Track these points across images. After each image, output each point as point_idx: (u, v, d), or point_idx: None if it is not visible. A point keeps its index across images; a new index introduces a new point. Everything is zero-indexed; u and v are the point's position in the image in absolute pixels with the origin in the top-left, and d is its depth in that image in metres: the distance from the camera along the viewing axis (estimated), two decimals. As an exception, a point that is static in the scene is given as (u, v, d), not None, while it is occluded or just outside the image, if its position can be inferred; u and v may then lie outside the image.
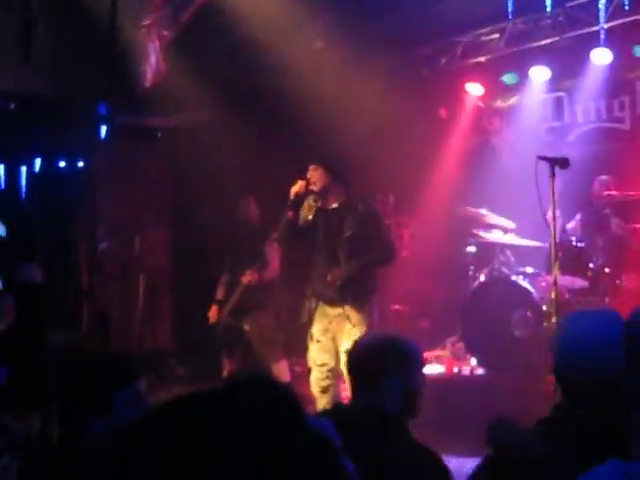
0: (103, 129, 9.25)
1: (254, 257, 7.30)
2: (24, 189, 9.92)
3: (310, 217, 5.84)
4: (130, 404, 2.45)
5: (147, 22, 7.75)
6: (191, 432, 0.98)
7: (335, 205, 5.83)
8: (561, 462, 2.14)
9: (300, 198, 5.83)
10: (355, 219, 5.72)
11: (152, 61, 7.94)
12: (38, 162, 9.90)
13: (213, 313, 7.40)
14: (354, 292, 5.70)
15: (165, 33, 7.90)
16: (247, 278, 7.20)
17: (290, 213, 5.82)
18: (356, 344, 3.01)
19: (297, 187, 5.79)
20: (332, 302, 5.75)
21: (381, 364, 2.75)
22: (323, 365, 5.76)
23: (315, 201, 5.87)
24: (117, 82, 7.77)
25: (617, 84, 8.25)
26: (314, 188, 5.78)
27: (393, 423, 2.69)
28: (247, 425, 0.99)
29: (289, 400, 1.06)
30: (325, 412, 2.98)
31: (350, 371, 2.88)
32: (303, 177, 5.84)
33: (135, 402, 2.46)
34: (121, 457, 1.01)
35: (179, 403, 1.04)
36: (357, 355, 2.88)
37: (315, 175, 5.76)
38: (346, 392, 5.77)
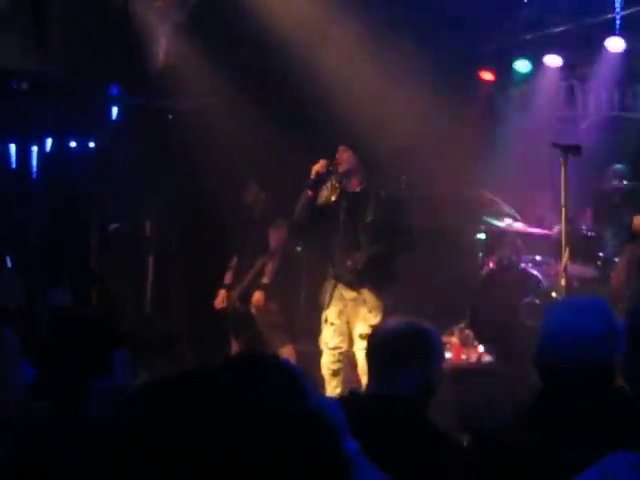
0: (114, 110, 9.27)
1: (260, 242, 7.34)
2: (35, 169, 9.96)
3: (333, 198, 5.86)
4: (125, 364, 2.56)
5: (159, 3, 7.74)
6: (184, 409, 0.99)
7: (358, 189, 5.86)
8: (537, 448, 2.14)
9: (321, 177, 5.87)
10: (378, 205, 5.77)
11: (164, 43, 7.94)
12: (49, 142, 9.94)
13: (220, 298, 7.44)
14: (373, 277, 5.73)
15: (177, 15, 7.88)
16: (256, 301, 7.24)
17: (310, 192, 5.85)
18: (379, 328, 3.00)
19: (319, 166, 5.83)
20: (350, 285, 5.77)
21: (403, 349, 2.73)
22: (336, 348, 5.79)
23: (339, 182, 5.89)
24: (129, 63, 7.77)
25: (630, 73, 8.21)
26: (340, 169, 5.82)
27: (414, 410, 2.68)
28: (239, 403, 0.99)
29: (285, 377, 1.07)
30: (341, 399, 2.97)
31: (372, 355, 2.84)
32: (315, 163, 5.86)
33: (127, 363, 2.59)
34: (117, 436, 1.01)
35: (173, 382, 1.05)
36: (378, 339, 2.85)
37: (344, 157, 5.83)
38: (359, 376, 5.81)
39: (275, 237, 7.36)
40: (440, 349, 2.89)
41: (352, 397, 2.82)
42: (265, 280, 7.30)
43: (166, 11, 7.89)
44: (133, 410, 1.02)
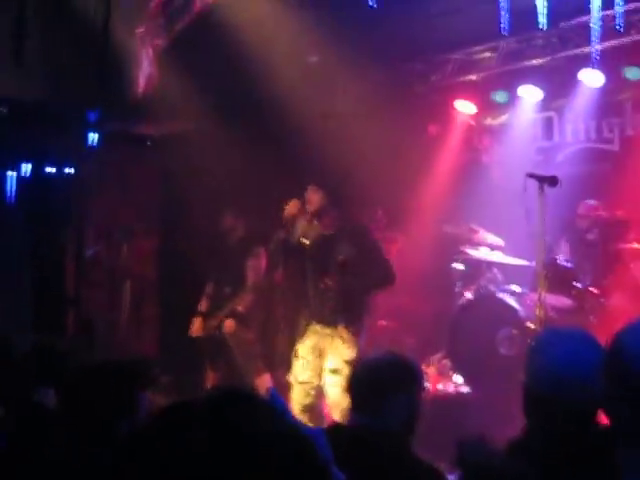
0: (93, 136, 9.22)
1: (240, 272, 7.30)
2: (12, 194, 9.87)
3: (306, 241, 5.79)
4: (147, 407, 2.61)
5: (141, 30, 7.75)
6: (179, 453, 0.97)
7: (330, 228, 5.79)
8: None
9: (293, 218, 5.79)
10: (350, 244, 5.68)
11: (144, 69, 7.94)
12: (27, 167, 9.86)
13: (196, 326, 7.38)
14: (347, 313, 5.67)
15: (159, 42, 7.89)
16: (228, 328, 7.21)
17: (283, 234, 5.77)
18: (362, 361, 2.98)
19: (291, 207, 5.73)
20: (325, 323, 5.72)
21: (389, 382, 2.73)
22: (306, 383, 5.71)
23: (309, 222, 5.83)
24: (108, 89, 7.75)
25: (607, 106, 8.30)
26: (311, 208, 5.74)
27: (398, 442, 2.66)
28: (221, 447, 0.98)
29: (270, 415, 1.05)
30: (325, 430, 2.93)
31: (353, 388, 2.83)
32: (294, 195, 5.81)
33: (149, 407, 2.63)
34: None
35: (164, 420, 1.03)
36: (363, 372, 2.84)
37: (314, 197, 5.72)
38: (327, 410, 5.75)
39: (253, 268, 7.32)
40: (422, 380, 2.89)
41: (336, 429, 2.79)
42: (240, 308, 7.25)
43: (148, 36, 7.90)
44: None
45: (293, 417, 1.61)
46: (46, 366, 3.44)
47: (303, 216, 5.80)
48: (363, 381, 2.80)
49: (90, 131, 9.06)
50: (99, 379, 2.61)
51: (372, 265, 5.69)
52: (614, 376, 1.42)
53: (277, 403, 1.66)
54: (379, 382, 2.72)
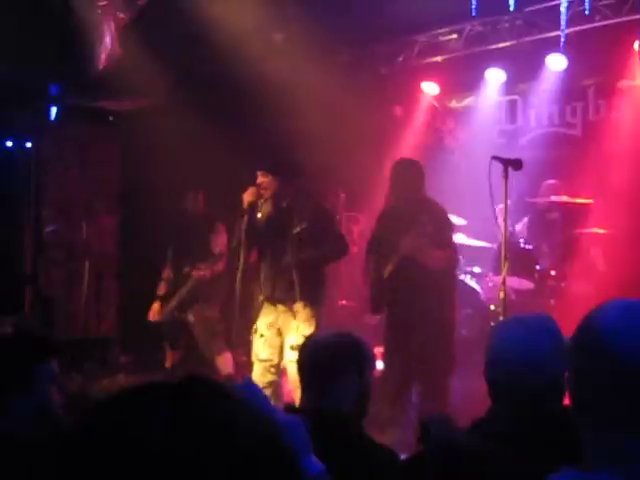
0: (53, 110, 9.07)
1: (200, 250, 7.24)
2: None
3: (260, 216, 5.80)
4: (47, 380, 2.55)
5: (103, 3, 7.61)
6: (124, 442, 0.94)
7: (284, 204, 5.80)
8: (493, 462, 2.14)
9: (254, 204, 5.79)
10: (303, 216, 5.69)
11: (107, 43, 7.80)
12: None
13: (154, 311, 7.31)
14: (305, 290, 5.67)
15: (121, 15, 7.75)
16: (199, 273, 7.12)
17: (245, 221, 5.76)
18: (311, 341, 2.93)
19: (250, 196, 5.74)
20: (283, 300, 5.72)
21: (339, 362, 2.69)
22: (266, 360, 5.70)
23: (267, 202, 5.84)
24: (69, 63, 7.61)
25: (571, 90, 8.35)
26: (265, 194, 5.77)
27: (350, 423, 2.64)
28: (180, 437, 0.94)
29: (225, 412, 1.01)
30: None
31: (303, 369, 2.79)
32: (255, 172, 5.80)
33: (51, 379, 2.57)
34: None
35: (114, 407, 0.99)
36: (312, 352, 2.79)
37: (265, 181, 5.75)
38: (288, 388, 5.75)
39: (216, 240, 7.27)
40: (371, 354, 2.86)
41: (287, 411, 2.76)
42: (204, 273, 7.14)
43: (111, 10, 7.76)
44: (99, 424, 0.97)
45: (269, 403, 1.57)
46: None
47: (263, 200, 5.81)
48: (312, 361, 2.76)
49: (51, 105, 8.92)
50: None
51: (326, 236, 5.73)
52: (585, 356, 1.43)
53: (253, 389, 1.62)
54: (328, 362, 2.69)
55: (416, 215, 5.71)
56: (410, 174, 5.94)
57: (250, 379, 1.58)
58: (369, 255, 6.10)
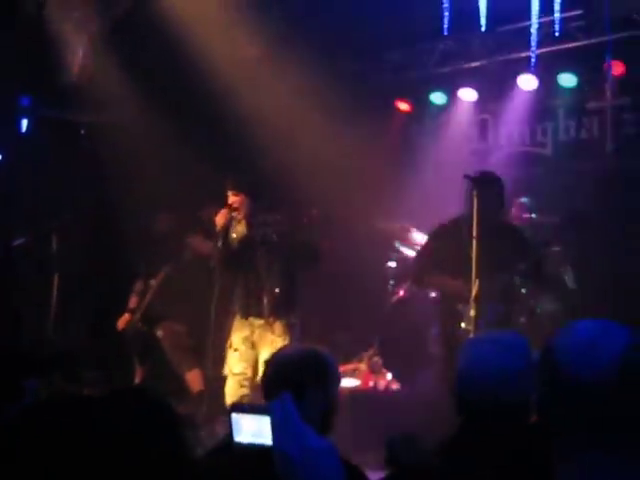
0: (24, 122, 8.99)
1: (167, 262, 7.24)
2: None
3: (237, 240, 5.84)
4: (31, 395, 2.56)
5: (76, 15, 7.58)
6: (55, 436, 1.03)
7: (257, 223, 5.85)
8: None
9: (228, 225, 5.80)
10: (270, 230, 5.73)
11: (79, 55, 7.77)
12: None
13: (122, 321, 7.29)
14: (280, 306, 5.70)
15: (94, 28, 7.73)
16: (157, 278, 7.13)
17: (220, 244, 5.77)
18: (275, 356, 2.91)
19: (220, 217, 5.76)
20: (258, 315, 5.75)
21: (303, 377, 2.67)
22: (239, 374, 5.70)
23: (240, 223, 5.86)
24: (42, 75, 7.57)
25: (541, 110, 8.44)
26: (238, 216, 5.79)
27: None
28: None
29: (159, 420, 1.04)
30: None
31: (267, 384, 2.77)
32: (225, 190, 5.82)
33: (34, 394, 2.59)
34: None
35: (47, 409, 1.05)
36: (277, 367, 2.77)
37: (236, 200, 5.78)
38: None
39: (189, 247, 7.28)
40: (336, 370, 2.85)
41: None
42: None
43: (84, 22, 7.73)
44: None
45: (301, 425, 1.50)
46: None
47: (236, 221, 5.83)
48: (273, 377, 2.74)
49: (22, 117, 8.84)
50: None
51: (295, 245, 5.80)
52: (545, 378, 1.45)
53: (287, 409, 1.52)
54: (292, 378, 2.66)
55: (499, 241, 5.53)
56: (495, 191, 5.69)
57: (289, 397, 1.51)
58: (425, 264, 6.01)
